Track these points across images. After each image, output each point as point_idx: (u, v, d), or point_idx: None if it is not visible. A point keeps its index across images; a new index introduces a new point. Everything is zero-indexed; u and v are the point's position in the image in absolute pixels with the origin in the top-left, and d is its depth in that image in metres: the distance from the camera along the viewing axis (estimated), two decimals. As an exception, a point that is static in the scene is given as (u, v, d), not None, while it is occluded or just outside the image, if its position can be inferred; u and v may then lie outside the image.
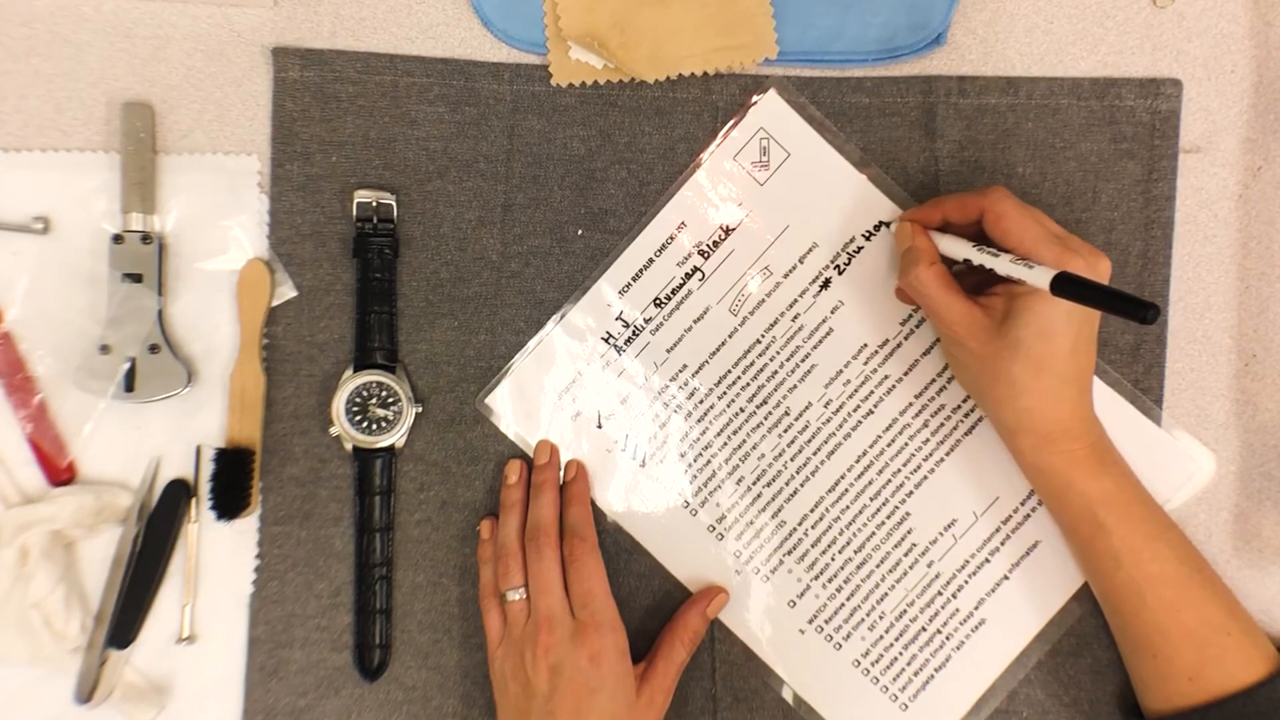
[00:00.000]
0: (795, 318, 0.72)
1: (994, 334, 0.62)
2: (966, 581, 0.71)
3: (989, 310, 0.63)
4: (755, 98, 0.72)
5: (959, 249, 0.64)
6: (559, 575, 0.67)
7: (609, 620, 0.65)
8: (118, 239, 0.69)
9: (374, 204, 0.71)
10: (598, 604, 0.66)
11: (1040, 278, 0.57)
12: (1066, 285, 0.56)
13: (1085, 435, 0.64)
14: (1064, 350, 0.61)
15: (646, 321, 0.72)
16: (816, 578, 0.71)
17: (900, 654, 0.71)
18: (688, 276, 0.72)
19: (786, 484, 0.72)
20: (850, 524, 0.71)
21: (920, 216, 0.67)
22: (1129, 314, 0.53)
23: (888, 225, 0.71)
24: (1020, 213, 0.62)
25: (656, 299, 0.72)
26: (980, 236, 0.65)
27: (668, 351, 0.72)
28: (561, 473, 0.72)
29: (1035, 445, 0.64)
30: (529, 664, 0.64)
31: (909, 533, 0.71)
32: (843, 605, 0.71)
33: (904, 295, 0.70)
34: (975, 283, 0.67)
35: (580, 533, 0.68)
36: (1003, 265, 0.61)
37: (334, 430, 0.69)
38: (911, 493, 0.71)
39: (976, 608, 0.71)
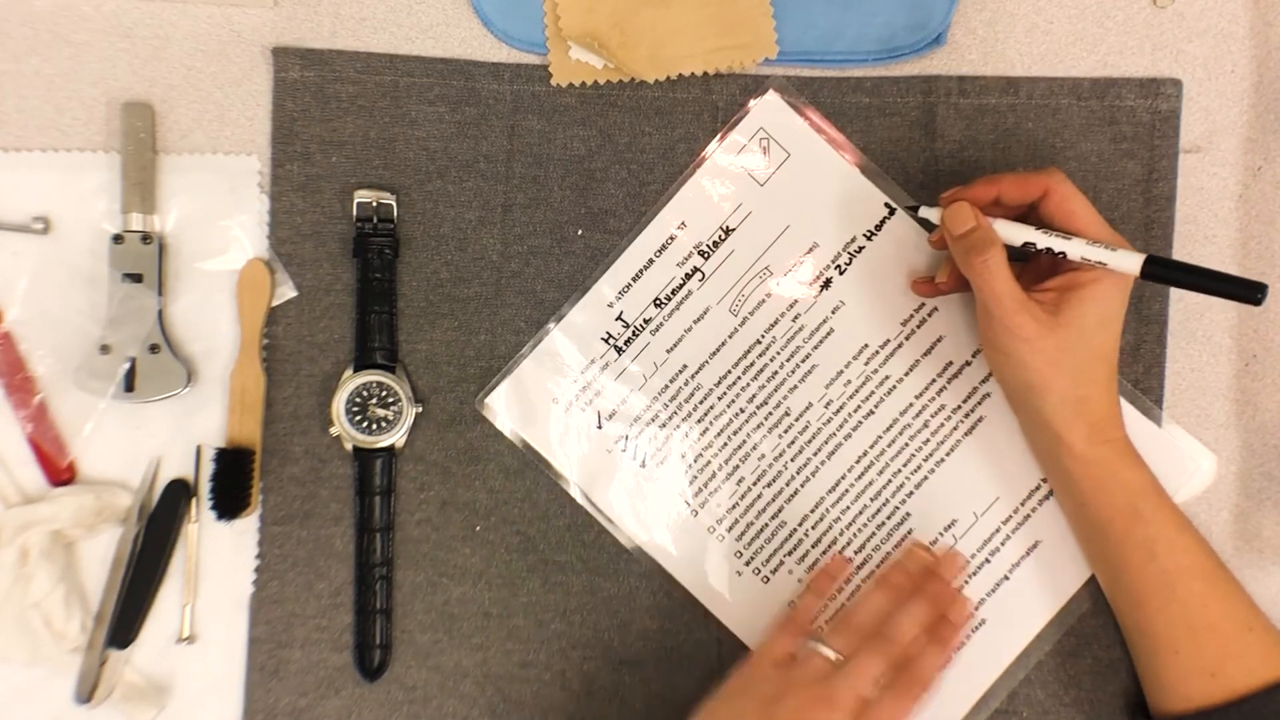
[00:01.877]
0: (796, 318, 0.72)
1: (1051, 325, 0.61)
2: (967, 582, 0.71)
3: (1042, 301, 0.62)
4: (755, 98, 0.72)
5: (1019, 233, 0.63)
6: (877, 680, 0.59)
7: None
8: (118, 239, 0.69)
9: (374, 204, 0.71)
10: None
11: (1127, 262, 0.56)
12: (1161, 268, 0.55)
13: (1122, 423, 0.64)
14: (1116, 337, 0.62)
15: (646, 322, 0.72)
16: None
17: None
18: (688, 277, 0.72)
19: (787, 484, 0.72)
20: (850, 524, 0.71)
21: (973, 196, 0.64)
22: (1235, 295, 0.53)
23: (914, 209, 0.69)
24: (1083, 197, 0.62)
25: (656, 299, 0.72)
26: (1022, 219, 0.64)
27: (668, 352, 0.72)
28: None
29: (1088, 435, 0.63)
30: (785, 703, 0.58)
31: (909, 533, 0.71)
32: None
33: (923, 288, 0.69)
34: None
35: (922, 672, 0.61)
36: (1079, 249, 0.60)
37: (334, 430, 0.69)
38: (912, 493, 0.71)
39: (976, 608, 0.71)
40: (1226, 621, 0.62)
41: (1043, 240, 0.62)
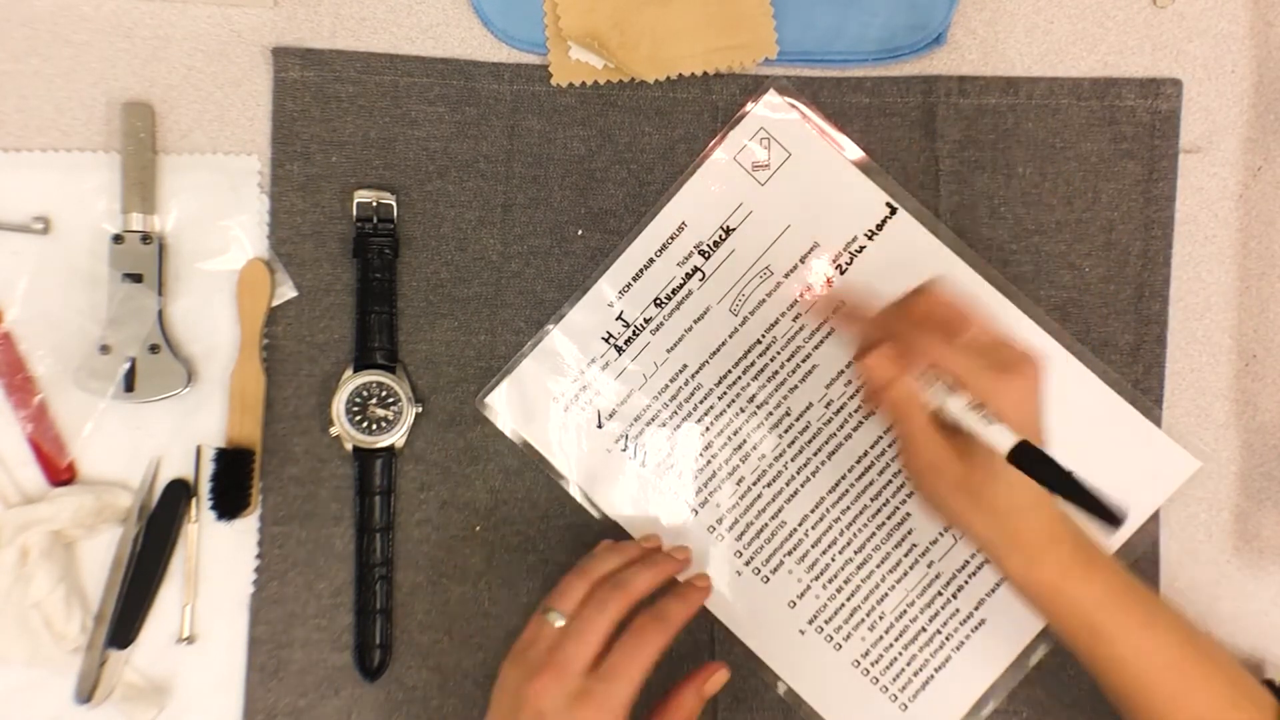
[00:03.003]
0: (796, 318, 0.72)
1: (968, 462, 0.59)
2: (966, 581, 0.71)
3: (958, 433, 0.60)
4: (756, 97, 0.72)
5: (934, 395, 0.60)
6: (606, 633, 0.60)
7: (616, 710, 0.58)
8: (118, 239, 0.69)
9: (374, 204, 0.71)
10: (619, 688, 0.58)
11: (1004, 439, 0.54)
12: (1025, 459, 0.53)
13: (1067, 535, 0.61)
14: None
15: (647, 321, 0.72)
16: (817, 578, 0.71)
17: (900, 654, 0.71)
18: (688, 276, 0.72)
19: (787, 484, 0.72)
20: (850, 524, 0.71)
21: (874, 330, 0.63)
22: (1095, 512, 0.51)
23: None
24: (952, 345, 0.59)
25: (657, 299, 0.72)
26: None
27: (668, 351, 0.72)
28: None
29: (1027, 562, 0.60)
30: (521, 695, 0.59)
31: (909, 533, 0.71)
32: (843, 606, 0.71)
33: (872, 406, 0.67)
34: None
35: (665, 613, 0.62)
36: (956, 408, 0.57)
37: (334, 430, 0.69)
38: (911, 493, 0.71)
39: (976, 608, 0.71)
40: (1211, 707, 0.61)
41: (932, 390, 0.59)
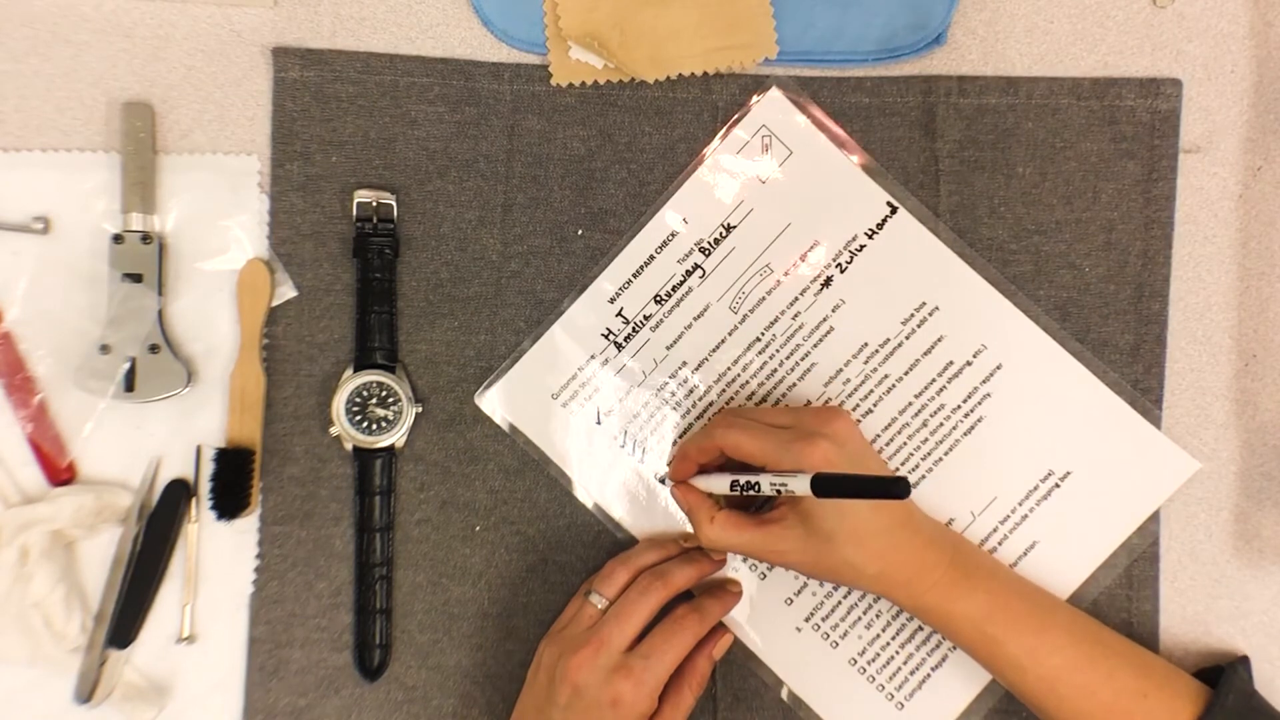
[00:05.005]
0: (796, 316, 0.72)
1: (800, 539, 0.62)
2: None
3: (793, 516, 0.63)
4: (758, 95, 0.72)
5: (720, 486, 0.65)
6: (645, 619, 0.65)
7: (651, 687, 0.63)
8: (118, 239, 0.69)
9: (374, 204, 0.71)
10: (656, 666, 0.64)
11: (801, 486, 0.57)
12: (825, 486, 0.56)
13: (940, 557, 0.64)
14: (870, 511, 0.62)
15: (646, 319, 0.72)
16: (794, 571, 0.71)
17: (897, 653, 0.71)
18: (688, 274, 0.72)
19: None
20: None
21: (677, 474, 0.68)
22: (885, 494, 0.54)
23: (663, 482, 0.72)
24: (749, 432, 0.63)
25: (657, 296, 0.72)
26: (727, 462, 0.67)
27: (667, 349, 0.72)
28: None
29: (908, 594, 0.63)
30: (559, 670, 0.63)
31: (909, 533, 0.71)
32: (839, 603, 0.71)
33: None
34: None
35: (704, 608, 0.68)
36: (766, 487, 0.60)
37: (334, 430, 0.69)
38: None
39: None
40: (1120, 699, 0.63)
41: (742, 492, 0.63)
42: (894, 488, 0.53)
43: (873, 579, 0.63)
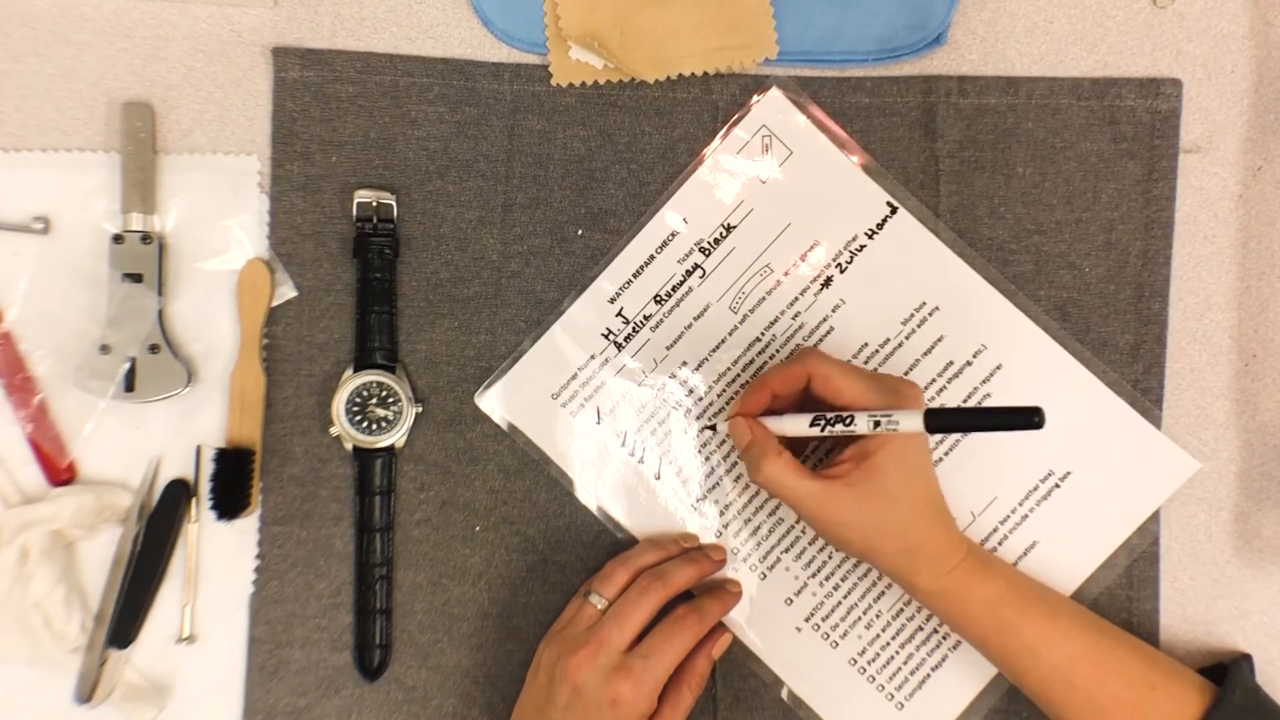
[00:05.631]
0: (796, 316, 0.72)
1: (859, 501, 0.62)
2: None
3: (857, 474, 0.62)
4: (758, 95, 0.72)
5: (797, 427, 0.63)
6: (645, 619, 0.65)
7: (650, 687, 0.63)
8: (118, 239, 0.69)
9: (374, 204, 0.71)
10: (655, 666, 0.64)
11: (911, 422, 0.57)
12: (941, 419, 0.56)
13: (963, 544, 0.64)
14: (923, 480, 0.63)
15: (646, 318, 0.72)
16: (814, 575, 0.71)
17: (897, 653, 0.71)
18: (688, 274, 0.72)
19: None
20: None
21: (749, 406, 0.66)
22: (1015, 426, 0.53)
23: (713, 429, 0.71)
24: (842, 368, 0.63)
25: (657, 296, 0.72)
26: (803, 404, 0.65)
27: (667, 348, 0.72)
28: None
29: (933, 573, 0.63)
30: (559, 670, 0.64)
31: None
32: (839, 603, 0.71)
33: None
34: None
35: (703, 608, 0.67)
36: (863, 426, 0.60)
37: (334, 430, 0.69)
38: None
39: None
40: (1129, 690, 0.63)
41: (827, 427, 0.62)
42: (1028, 417, 0.52)
43: (911, 549, 0.62)
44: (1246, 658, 0.69)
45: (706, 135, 0.72)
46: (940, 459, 0.71)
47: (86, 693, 0.67)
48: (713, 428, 0.71)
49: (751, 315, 0.72)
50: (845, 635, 0.71)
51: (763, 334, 0.72)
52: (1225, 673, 0.65)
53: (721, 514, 0.72)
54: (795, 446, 0.68)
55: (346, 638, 0.71)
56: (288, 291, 0.71)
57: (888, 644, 0.71)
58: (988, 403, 0.71)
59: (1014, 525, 0.71)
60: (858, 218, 0.72)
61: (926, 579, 0.63)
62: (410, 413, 0.70)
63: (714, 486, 0.72)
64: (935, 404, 0.71)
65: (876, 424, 0.59)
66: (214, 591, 0.71)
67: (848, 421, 0.60)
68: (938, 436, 0.71)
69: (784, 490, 0.62)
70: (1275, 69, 0.73)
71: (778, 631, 0.71)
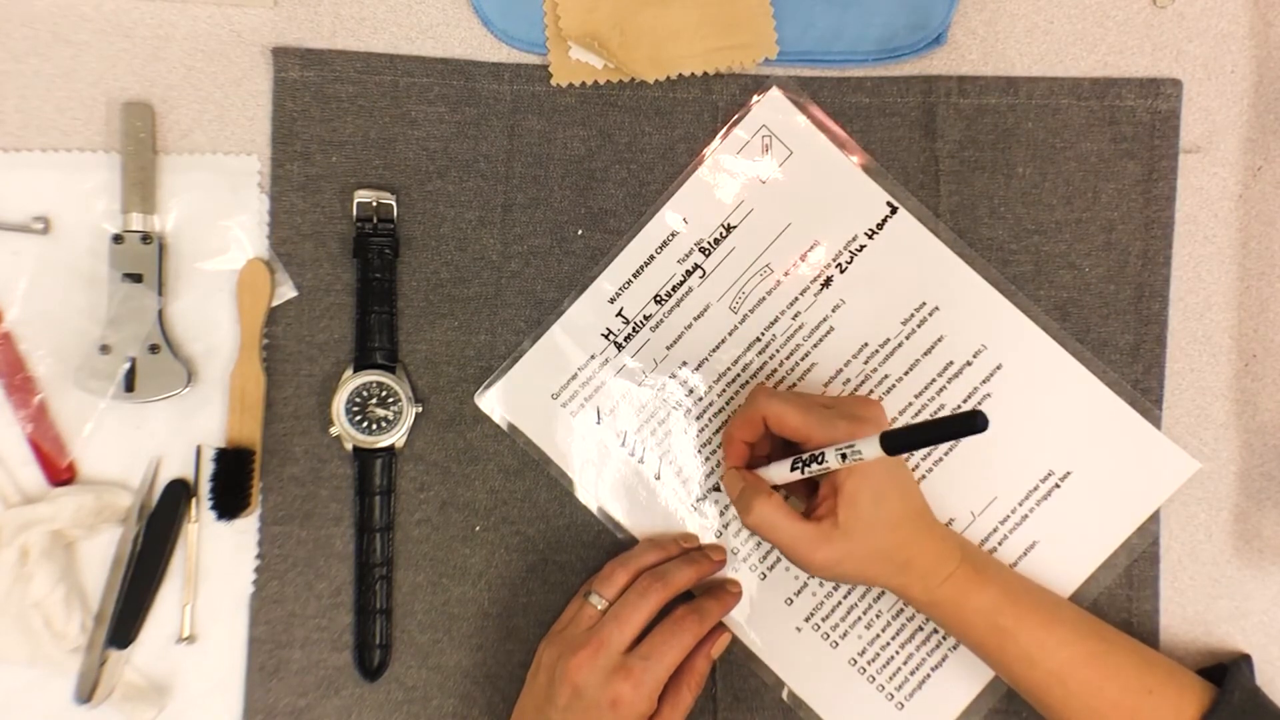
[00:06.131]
0: (796, 316, 0.72)
1: (843, 533, 0.61)
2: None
3: (826, 519, 0.62)
4: (758, 95, 0.72)
5: (781, 473, 0.64)
6: (645, 620, 0.65)
7: (650, 687, 0.63)
8: (118, 239, 0.69)
9: (374, 204, 0.71)
10: (655, 667, 0.64)
11: (870, 449, 0.57)
12: (896, 439, 0.56)
13: (954, 551, 0.64)
14: (899, 496, 0.63)
15: (646, 319, 0.72)
16: (813, 576, 0.71)
17: (897, 653, 0.71)
18: (688, 274, 0.72)
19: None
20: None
21: (732, 461, 0.67)
22: (964, 432, 0.53)
23: (718, 490, 0.72)
24: (793, 404, 0.63)
25: (657, 296, 0.72)
26: (781, 445, 0.67)
27: (667, 349, 0.72)
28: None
29: (926, 586, 0.63)
30: (559, 670, 0.64)
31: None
32: (839, 603, 0.71)
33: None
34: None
35: (703, 609, 0.68)
36: (833, 461, 0.60)
37: (334, 430, 0.69)
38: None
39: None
40: (1126, 696, 0.63)
41: (805, 472, 0.62)
42: (972, 421, 0.52)
43: (901, 567, 0.63)
44: (1246, 658, 0.69)
45: (706, 135, 0.72)
46: (940, 459, 0.71)
47: (86, 693, 0.67)
48: (717, 488, 0.72)
49: (751, 315, 0.72)
50: (845, 635, 0.71)
51: (763, 334, 0.72)
52: (1225, 673, 0.65)
53: (721, 514, 0.72)
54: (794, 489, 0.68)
55: (346, 638, 0.71)
56: (288, 291, 0.71)
57: (888, 644, 0.71)
58: (988, 403, 0.71)
59: (1014, 525, 0.71)
60: (858, 218, 0.72)
61: (920, 592, 0.63)
62: (410, 413, 0.70)
63: (714, 487, 0.72)
64: (935, 404, 0.71)
65: (844, 456, 0.59)
66: (214, 591, 0.71)
67: (820, 460, 0.61)
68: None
69: (773, 532, 0.63)
70: (1275, 69, 0.73)
71: (778, 631, 0.71)
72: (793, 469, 0.63)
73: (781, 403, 0.63)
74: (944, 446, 0.71)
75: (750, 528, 0.64)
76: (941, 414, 0.71)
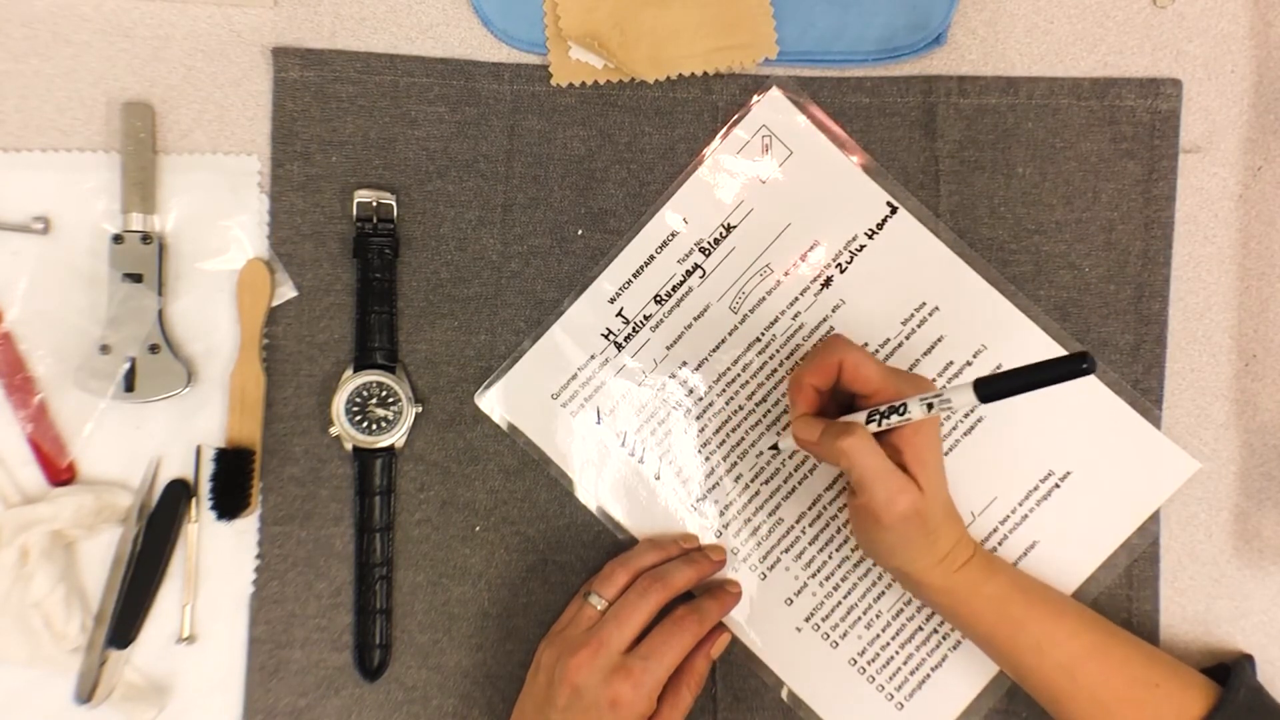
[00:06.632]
0: (796, 316, 0.72)
1: (909, 479, 0.61)
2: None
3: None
4: (759, 95, 0.72)
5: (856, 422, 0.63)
6: (645, 620, 0.65)
7: (650, 688, 0.63)
8: (118, 239, 0.69)
9: (374, 204, 0.71)
10: (655, 667, 0.64)
11: (962, 397, 0.56)
12: (991, 385, 0.55)
13: (971, 542, 0.65)
14: (943, 473, 0.62)
15: (646, 319, 0.72)
16: (814, 575, 0.71)
17: (897, 653, 0.71)
18: (689, 274, 0.72)
19: (784, 481, 0.72)
20: (848, 522, 0.71)
21: (801, 410, 0.64)
22: (1067, 376, 0.52)
23: (775, 449, 0.71)
24: (869, 357, 0.62)
25: (657, 296, 0.72)
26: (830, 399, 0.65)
27: (667, 348, 0.72)
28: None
29: (943, 570, 0.63)
30: (558, 671, 0.64)
31: (908, 532, 0.71)
32: (839, 603, 0.71)
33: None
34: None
35: (703, 609, 0.68)
36: (917, 411, 0.59)
37: (334, 430, 0.69)
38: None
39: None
40: (1133, 688, 0.63)
41: (883, 421, 0.60)
42: (1077, 364, 0.51)
43: (934, 544, 0.62)
44: (1249, 658, 0.69)
45: (706, 135, 0.72)
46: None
47: (86, 693, 0.67)
48: (775, 448, 0.71)
49: (751, 315, 0.72)
50: (845, 635, 0.71)
51: (763, 334, 0.72)
52: (1227, 673, 0.65)
53: (721, 514, 0.72)
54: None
55: (346, 638, 0.71)
56: (288, 291, 0.71)
57: (888, 644, 0.71)
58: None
59: (1014, 525, 0.71)
60: (858, 218, 0.72)
61: (939, 576, 0.63)
62: (410, 413, 0.70)
63: (714, 486, 0.72)
64: (899, 419, 0.71)
65: (930, 406, 0.58)
66: (214, 591, 0.71)
67: (902, 411, 0.59)
68: (941, 432, 0.71)
69: (867, 463, 0.59)
70: (1275, 69, 0.73)
71: (778, 631, 0.71)
72: (869, 420, 0.61)
73: (859, 353, 0.62)
74: (946, 445, 0.71)
75: (837, 456, 0.60)
76: (941, 415, 0.71)
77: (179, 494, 0.70)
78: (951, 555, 0.63)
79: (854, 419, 0.62)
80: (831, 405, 0.66)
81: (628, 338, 0.72)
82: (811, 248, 0.72)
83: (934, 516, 0.61)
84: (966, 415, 0.71)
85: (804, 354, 0.72)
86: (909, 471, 0.60)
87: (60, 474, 0.70)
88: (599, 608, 0.66)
